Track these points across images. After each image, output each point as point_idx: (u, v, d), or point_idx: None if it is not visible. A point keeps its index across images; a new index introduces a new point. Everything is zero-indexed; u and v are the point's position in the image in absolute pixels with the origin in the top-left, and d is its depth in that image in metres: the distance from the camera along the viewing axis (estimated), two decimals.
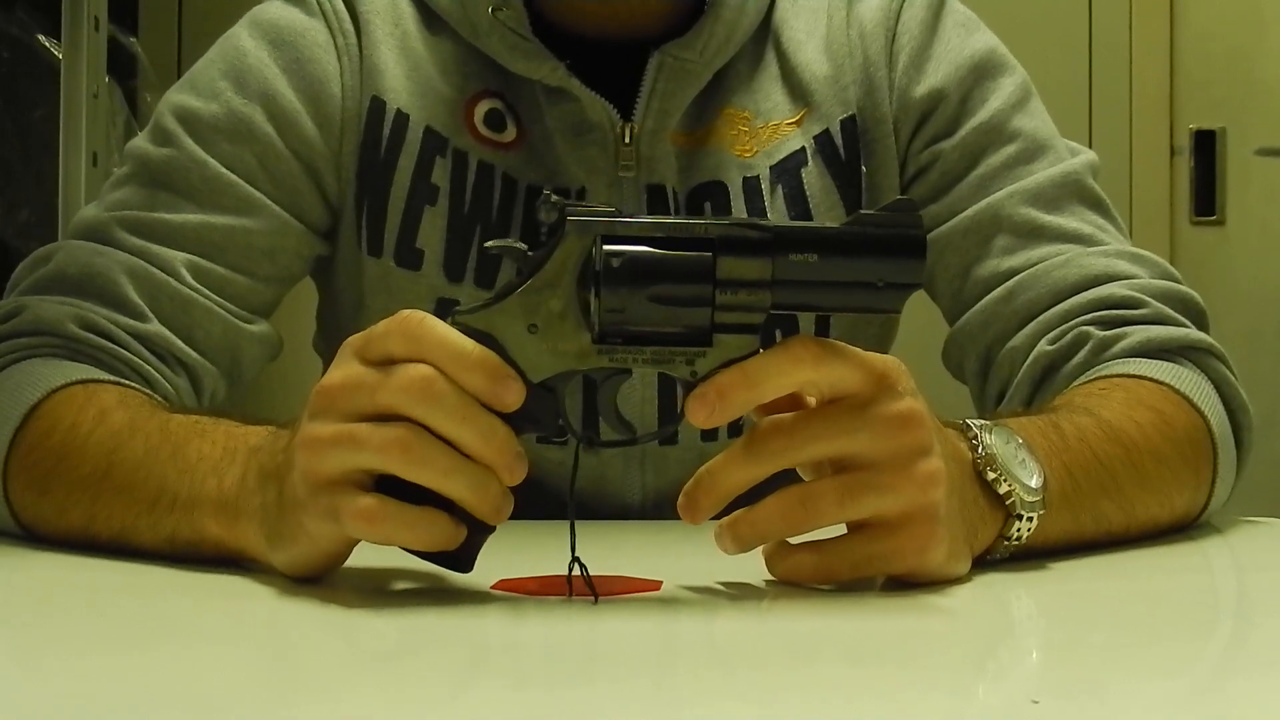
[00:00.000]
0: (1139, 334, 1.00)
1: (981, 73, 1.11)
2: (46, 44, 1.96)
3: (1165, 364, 0.98)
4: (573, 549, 0.73)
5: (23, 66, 1.97)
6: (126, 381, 0.97)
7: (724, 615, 0.74)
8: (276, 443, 0.78)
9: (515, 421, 0.71)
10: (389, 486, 0.71)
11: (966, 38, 1.12)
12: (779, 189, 1.09)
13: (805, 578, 0.76)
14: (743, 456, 0.74)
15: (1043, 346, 1.03)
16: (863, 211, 0.75)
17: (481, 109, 1.08)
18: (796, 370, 0.72)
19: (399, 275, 1.07)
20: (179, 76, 1.12)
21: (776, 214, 1.08)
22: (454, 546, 0.72)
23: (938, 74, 1.11)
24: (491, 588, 0.76)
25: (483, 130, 1.08)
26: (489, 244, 0.77)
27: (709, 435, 1.06)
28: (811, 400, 0.75)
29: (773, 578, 0.77)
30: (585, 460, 0.74)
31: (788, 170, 1.09)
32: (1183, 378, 0.97)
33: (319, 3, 1.09)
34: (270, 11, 1.10)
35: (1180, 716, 0.57)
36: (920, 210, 0.77)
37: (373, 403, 0.71)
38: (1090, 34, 2.57)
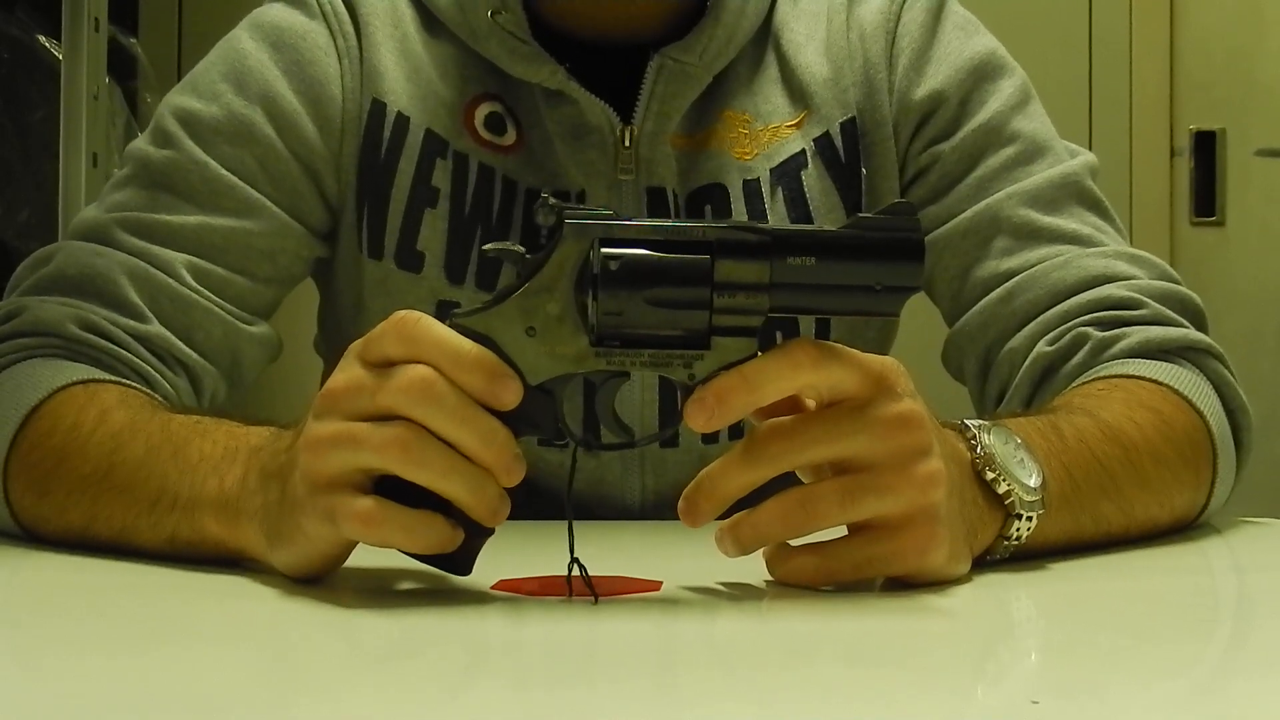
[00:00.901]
0: (1138, 335, 1.00)
1: (981, 75, 1.11)
2: (47, 45, 1.96)
3: (1164, 365, 0.98)
4: (571, 550, 0.73)
5: (23, 67, 1.97)
6: (127, 382, 0.97)
7: (724, 616, 0.74)
8: (278, 443, 0.78)
9: (514, 424, 0.71)
10: (388, 489, 0.71)
11: (966, 40, 1.12)
12: (779, 191, 1.09)
13: (806, 580, 0.76)
14: (742, 460, 0.74)
15: (1042, 347, 1.03)
16: (861, 215, 0.75)
17: (481, 112, 1.08)
18: (795, 373, 0.73)
19: (399, 277, 1.07)
20: (179, 77, 1.12)
21: (776, 216, 1.08)
22: (450, 549, 0.72)
23: (937, 76, 1.11)
24: (491, 588, 0.76)
25: (483, 133, 1.08)
26: (487, 247, 0.77)
27: (709, 438, 1.06)
28: (811, 403, 0.75)
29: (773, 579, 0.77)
30: (584, 463, 0.74)
31: (788, 173, 1.09)
32: (1182, 378, 0.97)
33: (320, 5, 1.10)
34: (271, 13, 1.10)
35: (1180, 717, 0.57)
36: (919, 212, 0.77)
37: (373, 404, 0.71)
38: (1090, 34, 2.57)
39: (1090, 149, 1.14)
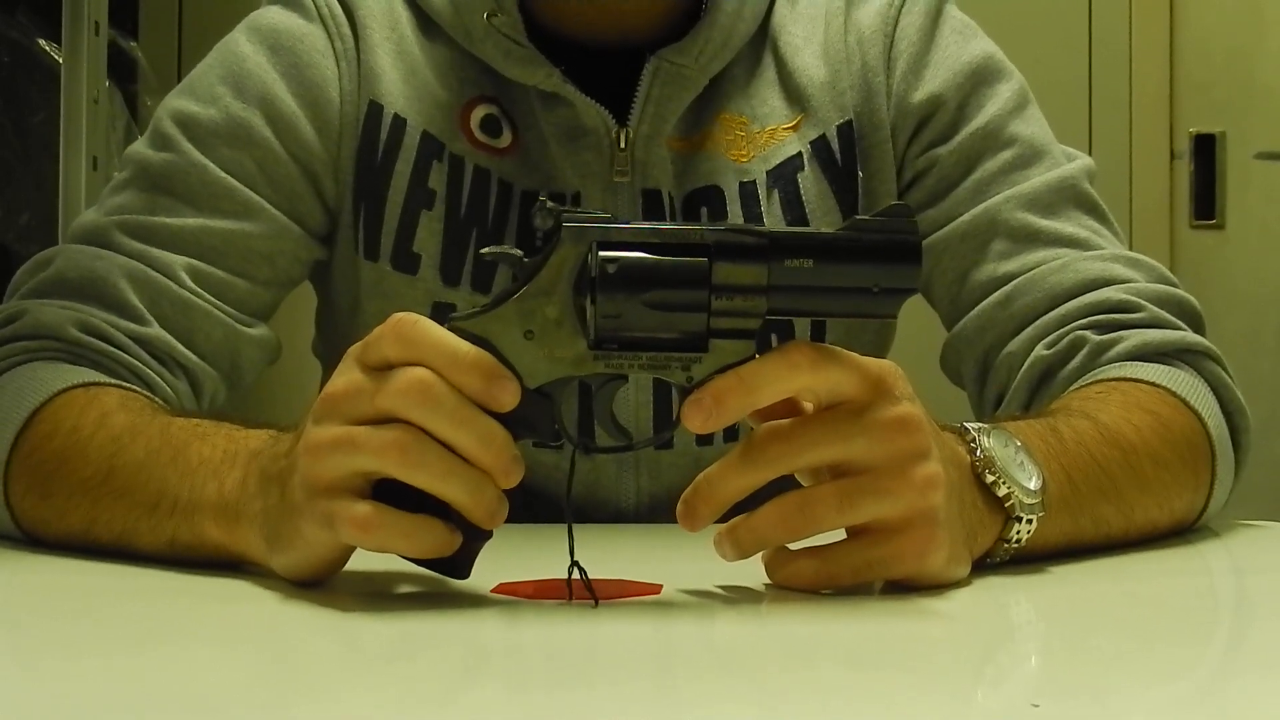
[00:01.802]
0: (1135, 338, 1.00)
1: (979, 79, 1.11)
2: (47, 48, 1.96)
3: (1162, 367, 0.98)
4: (571, 553, 0.73)
5: (23, 70, 1.98)
6: (127, 384, 0.97)
7: (724, 619, 0.74)
8: (277, 447, 0.78)
9: (512, 427, 0.71)
10: (388, 492, 0.71)
11: (964, 44, 1.12)
12: (775, 194, 1.09)
13: (805, 583, 0.76)
14: (740, 463, 0.74)
15: (1040, 351, 1.03)
16: (858, 217, 0.75)
17: (477, 114, 1.08)
18: (793, 376, 0.73)
19: (396, 279, 1.07)
20: (179, 81, 1.13)
21: (773, 219, 1.08)
22: (449, 553, 0.72)
23: (935, 80, 1.11)
24: (491, 591, 0.76)
25: (479, 135, 1.08)
26: (484, 251, 0.77)
27: (704, 440, 1.06)
28: (808, 406, 0.75)
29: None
30: (580, 465, 0.74)
31: (784, 175, 1.09)
32: (1180, 381, 0.97)
33: (317, 7, 1.10)
34: (269, 16, 1.10)
35: (1180, 719, 0.57)
36: (916, 215, 0.77)
37: (372, 407, 0.71)
38: (1090, 36, 2.57)
39: (1090, 151, 1.14)
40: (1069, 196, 1.09)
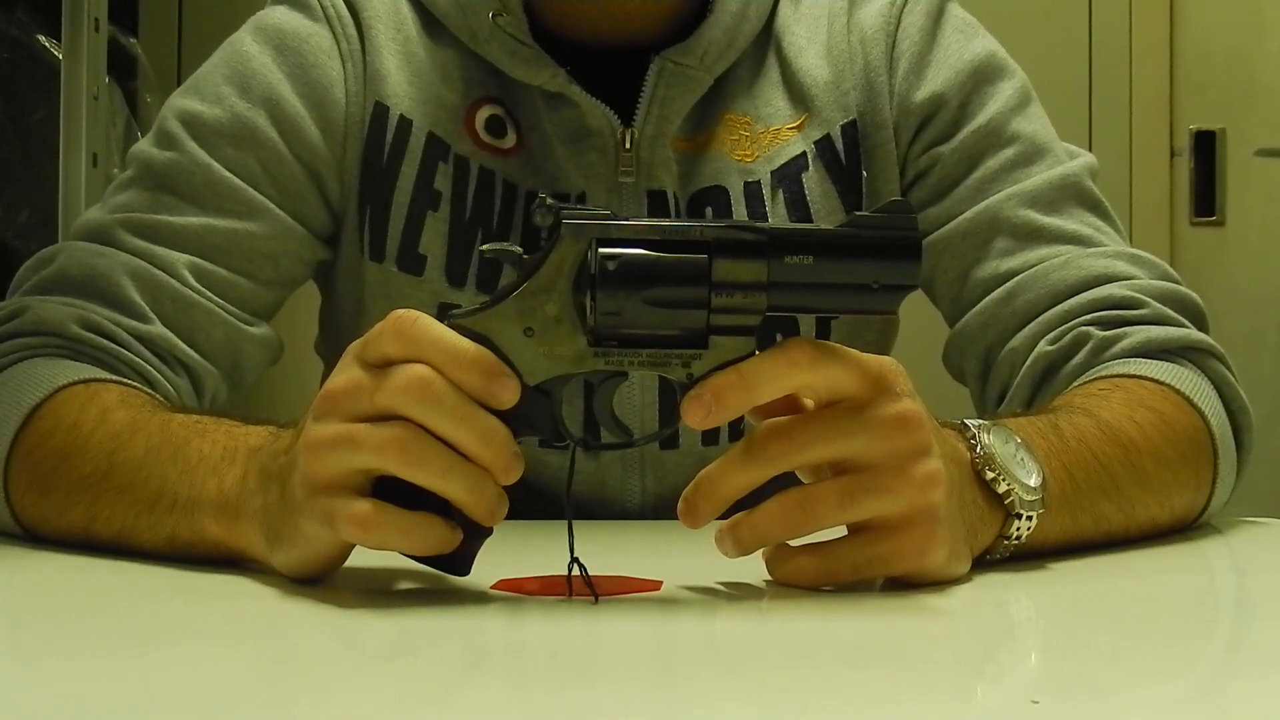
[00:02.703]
0: (1138, 334, 1.00)
1: (981, 77, 1.11)
2: (47, 45, 1.96)
3: (1165, 364, 0.98)
4: (571, 549, 0.73)
5: (23, 67, 1.97)
6: (128, 381, 0.97)
7: (724, 615, 0.74)
8: (277, 444, 0.78)
9: (512, 425, 0.71)
10: (387, 491, 0.71)
11: (966, 43, 1.12)
12: (780, 194, 1.09)
13: (806, 580, 0.76)
14: (741, 461, 0.74)
15: (1042, 347, 1.03)
16: (858, 213, 0.75)
17: (482, 115, 1.08)
18: (793, 372, 0.73)
19: (401, 280, 1.07)
20: (179, 78, 1.13)
21: (777, 219, 1.08)
22: (449, 550, 0.72)
23: (938, 79, 1.11)
24: (491, 588, 0.76)
25: (483, 136, 1.08)
26: (484, 248, 0.77)
27: (709, 439, 1.06)
28: (809, 403, 0.75)
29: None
30: (584, 465, 0.73)
31: (788, 175, 1.09)
32: (1182, 378, 0.97)
33: (323, 8, 1.10)
34: (274, 16, 1.10)
35: (1180, 717, 0.57)
36: (918, 213, 0.77)
37: (372, 404, 0.71)
38: (1090, 34, 2.57)
39: (1090, 149, 1.14)
40: (1071, 194, 1.09)
